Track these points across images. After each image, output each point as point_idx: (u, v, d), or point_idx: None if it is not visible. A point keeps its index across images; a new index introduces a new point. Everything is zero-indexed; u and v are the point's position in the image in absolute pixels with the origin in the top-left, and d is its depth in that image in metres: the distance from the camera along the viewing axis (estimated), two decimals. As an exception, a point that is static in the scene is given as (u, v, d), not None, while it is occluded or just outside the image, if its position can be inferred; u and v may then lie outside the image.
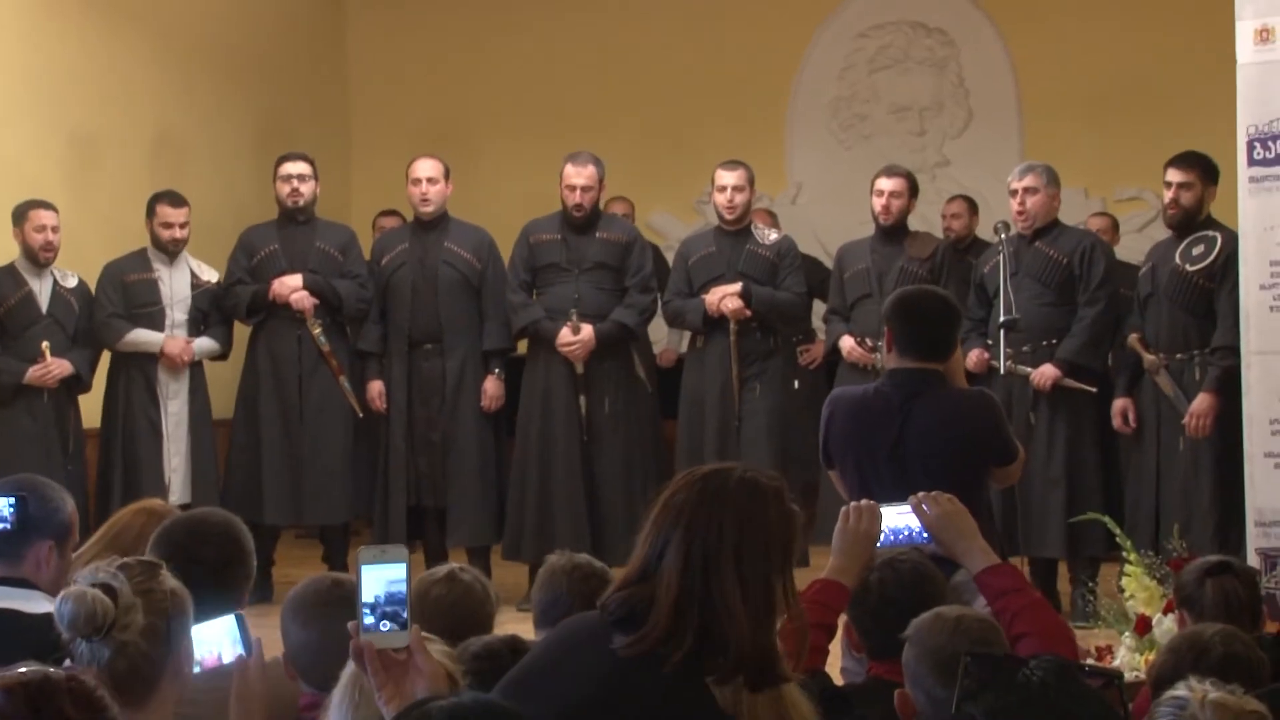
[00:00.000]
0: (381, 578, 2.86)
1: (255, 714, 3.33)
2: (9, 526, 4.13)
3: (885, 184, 8.96)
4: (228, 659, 3.33)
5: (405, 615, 2.85)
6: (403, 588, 2.86)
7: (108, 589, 2.99)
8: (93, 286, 9.00)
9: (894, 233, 8.98)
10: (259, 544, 9.75)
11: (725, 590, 2.84)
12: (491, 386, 9.27)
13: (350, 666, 3.01)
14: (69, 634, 2.95)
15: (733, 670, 2.85)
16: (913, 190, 9.03)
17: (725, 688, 2.86)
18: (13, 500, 4.14)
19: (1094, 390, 8.36)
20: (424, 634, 2.96)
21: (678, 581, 2.85)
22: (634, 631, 2.87)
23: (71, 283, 8.84)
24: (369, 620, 2.84)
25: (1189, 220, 8.09)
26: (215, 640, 3.33)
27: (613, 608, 2.92)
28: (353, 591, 3.80)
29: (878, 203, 8.96)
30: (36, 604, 4.05)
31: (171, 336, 9.00)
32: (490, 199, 11.56)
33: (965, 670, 2.69)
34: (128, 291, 9.01)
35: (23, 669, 2.52)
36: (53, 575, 4.18)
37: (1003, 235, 8.49)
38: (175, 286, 9.11)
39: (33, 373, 8.53)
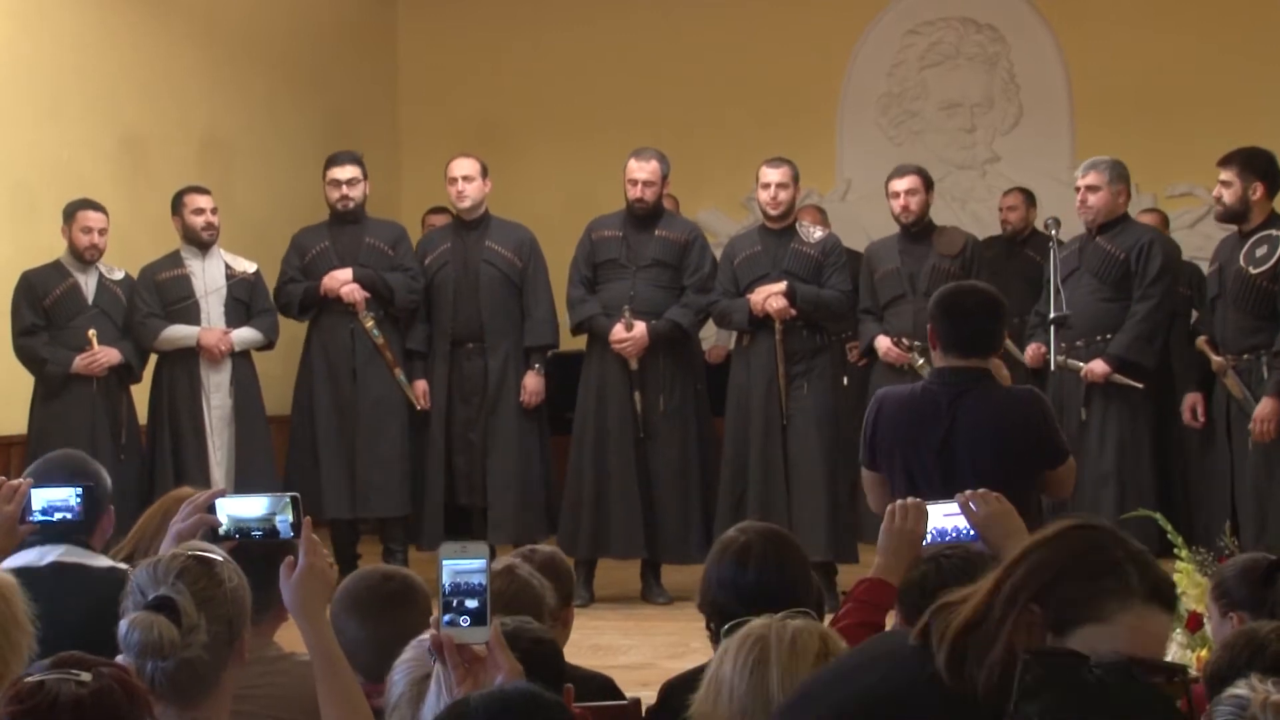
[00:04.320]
0: (461, 573, 2.87)
1: (311, 598, 3.35)
2: (77, 517, 4.17)
3: (899, 184, 8.88)
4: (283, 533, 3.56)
5: (485, 610, 2.85)
6: (482, 582, 2.86)
7: (171, 610, 3.00)
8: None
9: (919, 231, 8.93)
10: (337, 542, 9.70)
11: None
12: (531, 382, 9.30)
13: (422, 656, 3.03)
14: (134, 660, 2.96)
15: None
16: (928, 185, 8.96)
17: None
18: (79, 490, 4.17)
19: (1140, 386, 8.32)
20: None
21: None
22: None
23: (118, 275, 8.83)
24: (448, 615, 2.85)
25: (1234, 216, 8.00)
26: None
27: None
28: (405, 585, 3.83)
29: (896, 205, 8.89)
30: (99, 560, 4.22)
31: (207, 328, 8.96)
32: (538, 197, 11.57)
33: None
34: (160, 290, 8.96)
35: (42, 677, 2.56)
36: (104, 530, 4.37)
37: (1054, 231, 8.44)
38: (209, 278, 9.05)
39: (80, 361, 8.53)
